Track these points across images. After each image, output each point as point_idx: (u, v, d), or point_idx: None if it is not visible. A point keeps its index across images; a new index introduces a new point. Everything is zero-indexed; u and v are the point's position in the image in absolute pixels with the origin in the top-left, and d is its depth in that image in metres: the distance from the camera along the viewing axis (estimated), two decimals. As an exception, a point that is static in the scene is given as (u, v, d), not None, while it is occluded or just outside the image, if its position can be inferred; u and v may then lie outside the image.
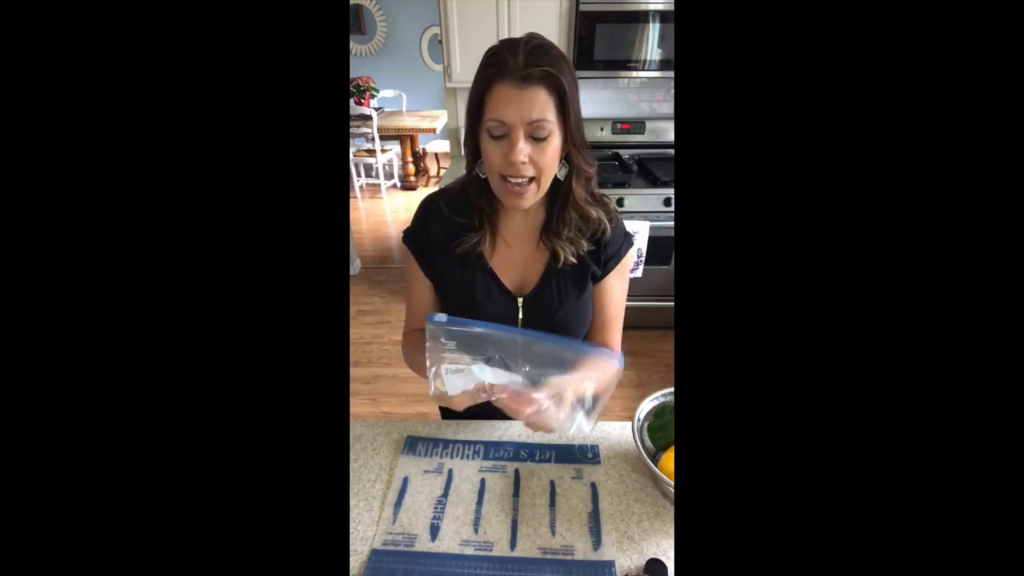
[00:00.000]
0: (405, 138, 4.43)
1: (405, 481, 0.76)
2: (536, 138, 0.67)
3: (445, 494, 0.74)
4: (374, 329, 2.66)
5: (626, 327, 0.89)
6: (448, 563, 0.65)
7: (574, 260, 0.79)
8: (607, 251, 0.81)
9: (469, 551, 0.67)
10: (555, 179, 0.74)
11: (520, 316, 0.82)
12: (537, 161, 0.68)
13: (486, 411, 0.88)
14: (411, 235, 0.84)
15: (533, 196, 0.72)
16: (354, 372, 2.35)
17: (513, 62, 0.65)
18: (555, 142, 0.69)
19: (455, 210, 0.80)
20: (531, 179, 0.70)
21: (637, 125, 2.50)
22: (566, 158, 0.73)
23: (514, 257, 0.82)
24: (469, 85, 0.72)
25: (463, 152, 0.77)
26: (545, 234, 0.80)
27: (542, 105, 0.66)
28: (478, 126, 0.70)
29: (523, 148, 0.67)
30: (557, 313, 0.81)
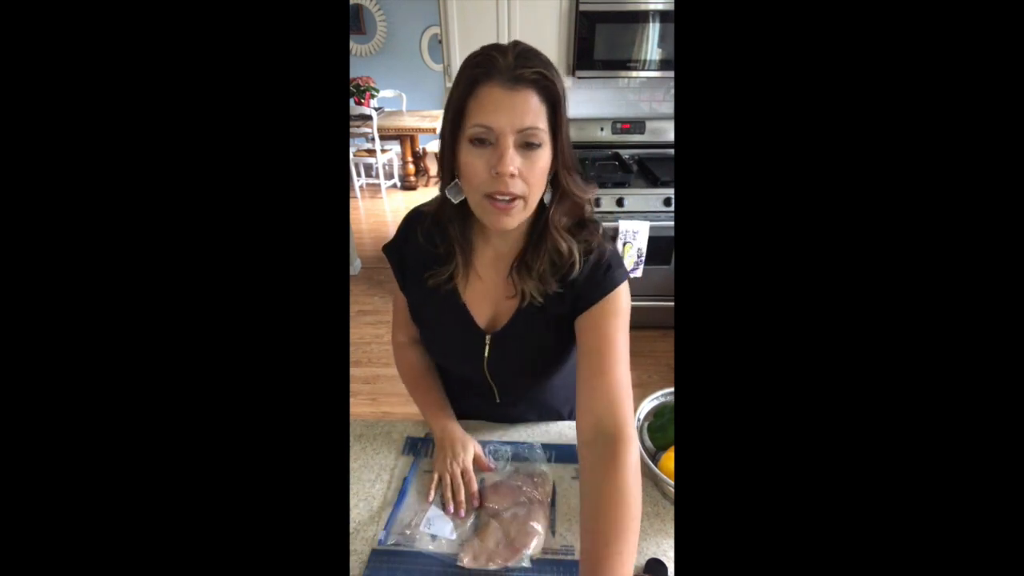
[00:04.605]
0: (405, 138, 4.43)
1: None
2: (526, 148, 0.60)
3: (445, 494, 0.74)
4: (374, 329, 2.66)
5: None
6: (448, 563, 0.65)
7: (540, 300, 0.71)
8: (575, 291, 0.70)
9: (469, 551, 0.67)
10: (540, 203, 0.66)
11: (486, 353, 0.77)
12: (527, 176, 0.60)
13: (486, 412, 0.88)
14: (393, 248, 0.80)
15: (519, 215, 0.63)
16: (354, 372, 2.35)
17: (503, 62, 0.58)
18: (545, 156, 0.61)
19: (428, 238, 0.74)
20: (518, 196, 0.61)
21: (637, 125, 2.50)
22: (551, 181, 0.66)
23: (487, 290, 0.76)
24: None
25: (437, 170, 0.69)
26: (516, 270, 0.72)
27: (534, 111, 0.59)
28: (458, 135, 0.61)
29: (513, 157, 0.59)
30: (525, 352, 0.76)
